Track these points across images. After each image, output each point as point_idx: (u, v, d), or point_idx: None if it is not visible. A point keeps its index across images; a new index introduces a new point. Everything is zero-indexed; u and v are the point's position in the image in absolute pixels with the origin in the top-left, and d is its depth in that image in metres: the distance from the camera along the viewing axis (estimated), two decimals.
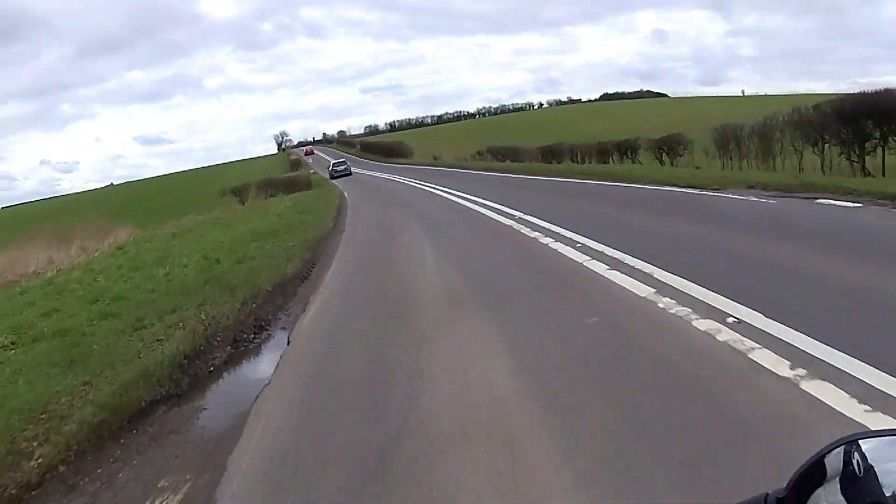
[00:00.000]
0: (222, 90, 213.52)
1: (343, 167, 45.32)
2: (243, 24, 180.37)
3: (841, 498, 0.77)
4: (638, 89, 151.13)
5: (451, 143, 61.74)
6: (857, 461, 0.79)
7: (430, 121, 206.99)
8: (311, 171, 51.40)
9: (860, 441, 0.81)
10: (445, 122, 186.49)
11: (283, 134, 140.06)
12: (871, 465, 0.78)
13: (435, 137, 75.89)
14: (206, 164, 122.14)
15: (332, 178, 42.48)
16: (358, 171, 49.30)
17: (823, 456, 0.81)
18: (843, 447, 0.81)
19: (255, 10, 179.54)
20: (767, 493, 0.81)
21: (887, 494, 0.75)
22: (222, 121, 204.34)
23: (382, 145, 64.96)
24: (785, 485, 0.81)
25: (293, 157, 62.07)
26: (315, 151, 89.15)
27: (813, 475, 0.81)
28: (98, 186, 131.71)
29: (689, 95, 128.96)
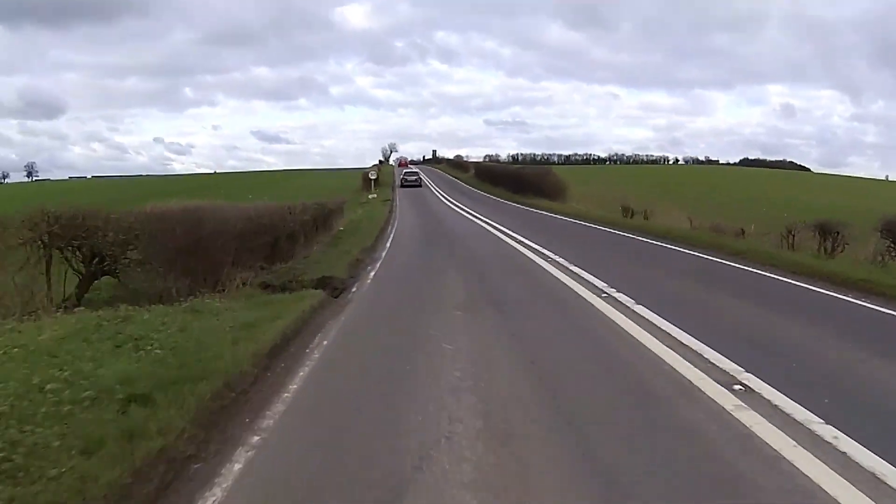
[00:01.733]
0: (346, 100, 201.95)
1: (414, 178, 47.68)
2: (376, 38, 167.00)
3: None
4: (780, 159, 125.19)
5: (599, 188, 36.07)
6: None
7: (556, 160, 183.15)
8: (374, 195, 27.48)
9: None
10: (574, 163, 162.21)
11: (392, 147, 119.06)
12: None
13: (577, 178, 49.89)
14: (321, 167, 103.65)
15: (402, 186, 44.54)
16: (461, 211, 24.60)
17: None
18: None
19: (390, 26, 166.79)
20: None
21: None
22: (343, 130, 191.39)
23: (511, 173, 39.39)
24: None
25: (372, 175, 38.96)
26: (410, 166, 66.25)
27: None
28: (208, 171, 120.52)
29: (831, 173, 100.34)
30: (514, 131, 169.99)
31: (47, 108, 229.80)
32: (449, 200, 31.98)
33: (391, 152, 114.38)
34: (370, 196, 27.50)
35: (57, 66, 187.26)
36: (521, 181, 34.54)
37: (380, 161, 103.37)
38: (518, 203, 29.95)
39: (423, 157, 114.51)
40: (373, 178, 28.54)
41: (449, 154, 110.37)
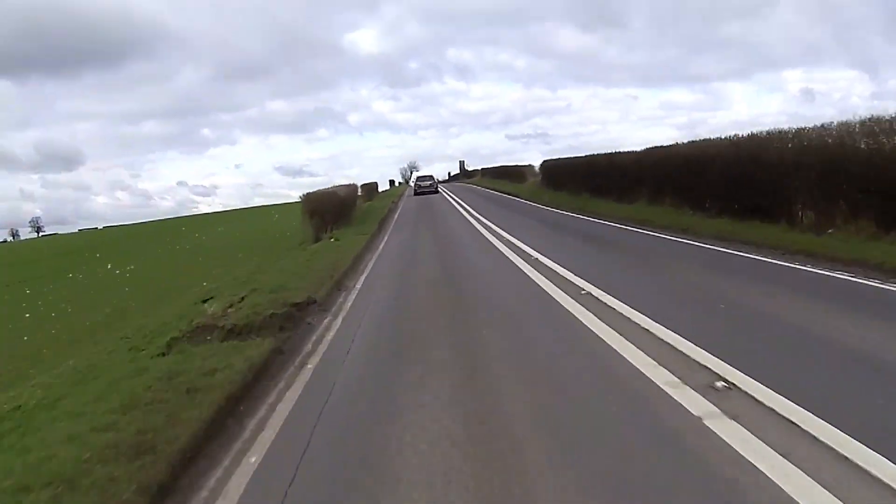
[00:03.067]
0: (366, 127, 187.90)
1: (429, 183, 40.96)
2: (389, 61, 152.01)
3: None
4: None
5: None
6: None
7: None
8: None
9: None
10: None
11: (413, 167, 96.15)
12: None
13: None
14: None
15: (416, 194, 38.25)
16: None
17: None
18: None
19: (401, 47, 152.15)
20: None
21: None
22: (366, 157, 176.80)
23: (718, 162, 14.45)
24: None
25: (310, 206, 16.63)
26: (437, 186, 44.42)
27: None
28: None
29: None
30: (537, 143, 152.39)
31: (65, 160, 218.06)
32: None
33: (411, 172, 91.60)
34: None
35: (70, 117, 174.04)
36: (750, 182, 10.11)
37: (391, 183, 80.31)
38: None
39: (449, 173, 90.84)
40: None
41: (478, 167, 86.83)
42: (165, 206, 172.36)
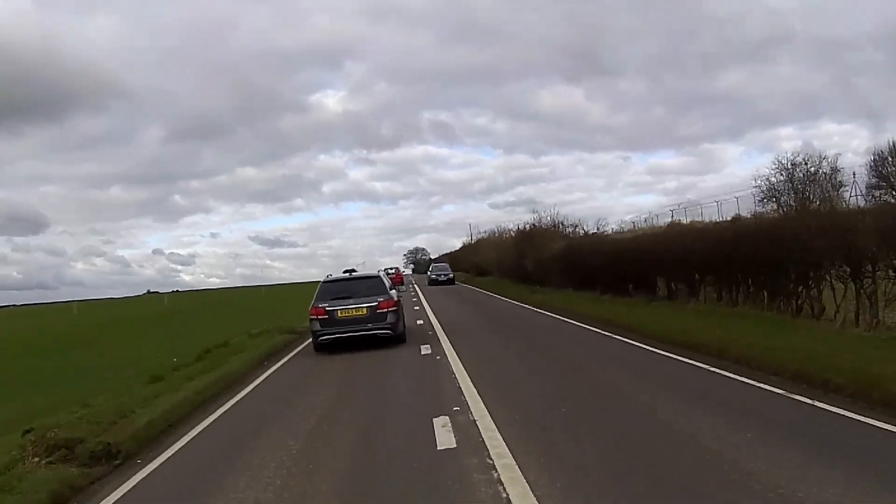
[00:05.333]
0: (342, 197, 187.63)
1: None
2: (363, 125, 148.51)
3: None
4: None
5: None
6: None
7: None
8: None
9: None
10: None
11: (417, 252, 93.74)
12: None
13: None
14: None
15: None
16: None
17: None
18: None
19: (375, 109, 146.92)
20: None
21: None
22: (346, 228, 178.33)
23: None
24: None
25: None
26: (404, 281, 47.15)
27: None
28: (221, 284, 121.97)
29: None
30: (522, 212, 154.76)
31: (31, 223, 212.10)
32: None
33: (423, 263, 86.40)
34: None
35: (29, 179, 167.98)
36: None
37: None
38: None
39: (433, 254, 76.42)
40: None
41: (459, 245, 70.00)
42: (146, 275, 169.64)
